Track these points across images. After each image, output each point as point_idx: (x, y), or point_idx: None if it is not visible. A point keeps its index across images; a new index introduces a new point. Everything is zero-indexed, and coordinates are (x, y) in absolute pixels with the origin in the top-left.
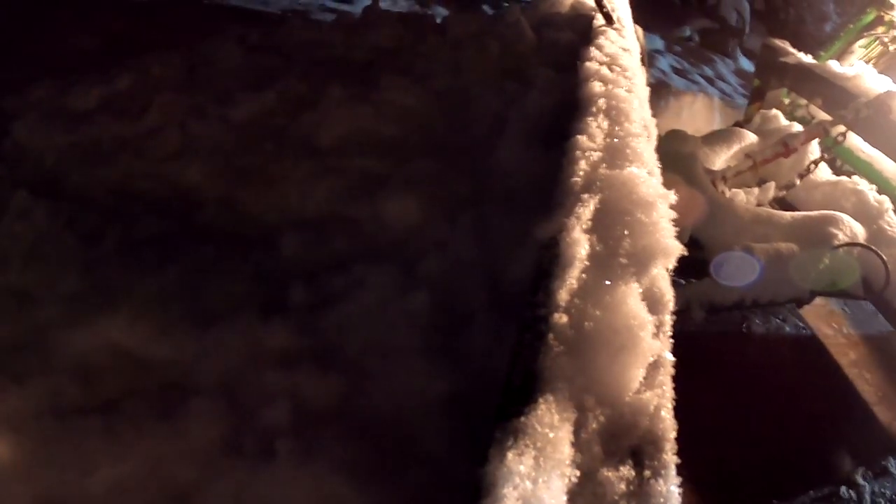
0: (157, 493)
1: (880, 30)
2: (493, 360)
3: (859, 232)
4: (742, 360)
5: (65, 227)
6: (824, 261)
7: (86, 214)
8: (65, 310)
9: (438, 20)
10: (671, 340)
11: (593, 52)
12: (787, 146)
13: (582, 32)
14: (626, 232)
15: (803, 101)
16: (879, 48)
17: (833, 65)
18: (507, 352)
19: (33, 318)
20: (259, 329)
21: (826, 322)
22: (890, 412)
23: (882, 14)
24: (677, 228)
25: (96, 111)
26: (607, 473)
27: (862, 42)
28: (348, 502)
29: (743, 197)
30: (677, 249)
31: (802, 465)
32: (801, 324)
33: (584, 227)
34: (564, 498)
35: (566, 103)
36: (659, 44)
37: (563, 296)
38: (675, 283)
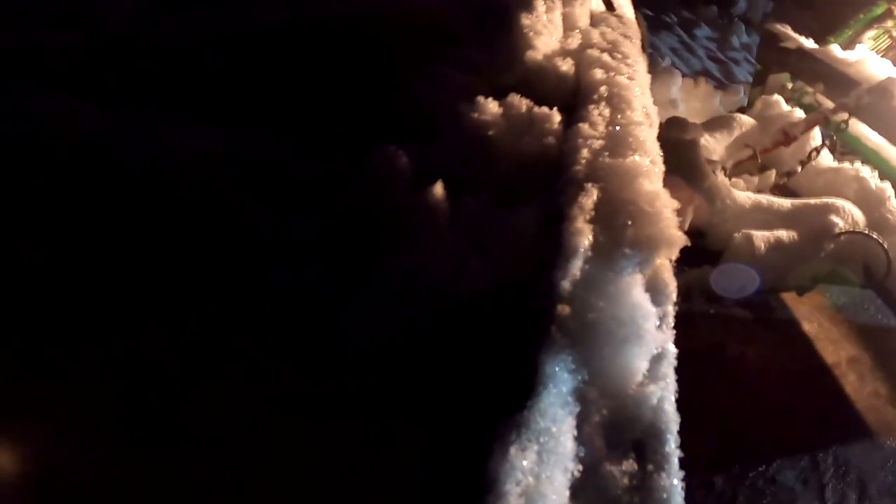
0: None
1: (889, 23)
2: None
3: (860, 220)
4: (738, 350)
5: None
6: (825, 249)
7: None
8: None
9: None
10: (673, 331)
11: (594, 38)
12: (787, 135)
13: None
14: (629, 222)
15: (811, 88)
16: (888, 42)
17: (835, 50)
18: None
19: None
20: (270, 218)
21: (825, 311)
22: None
23: (892, 7)
24: (680, 219)
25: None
26: (610, 467)
27: (871, 34)
28: (325, 443)
29: (743, 184)
30: (681, 239)
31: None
32: (798, 313)
33: (587, 217)
34: (567, 493)
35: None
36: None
37: (565, 287)
38: (675, 271)
